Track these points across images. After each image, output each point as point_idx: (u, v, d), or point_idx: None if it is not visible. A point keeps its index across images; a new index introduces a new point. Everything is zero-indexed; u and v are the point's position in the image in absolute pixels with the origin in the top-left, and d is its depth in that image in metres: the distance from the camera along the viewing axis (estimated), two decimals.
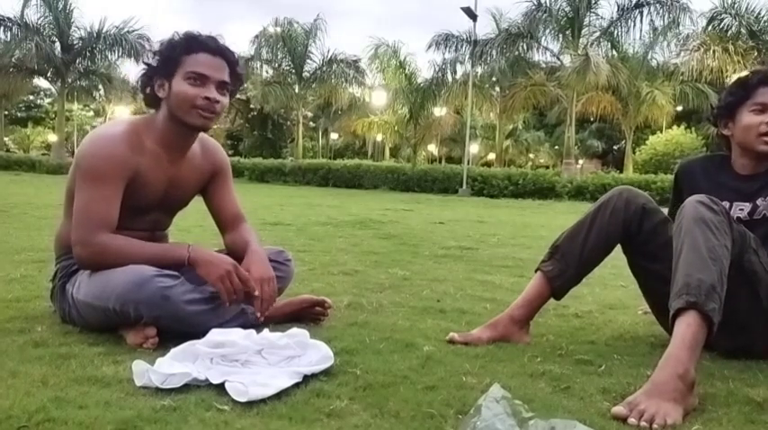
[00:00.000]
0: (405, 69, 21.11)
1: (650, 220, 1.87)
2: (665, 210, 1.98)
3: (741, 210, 1.88)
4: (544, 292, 1.93)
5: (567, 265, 1.90)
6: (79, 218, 1.79)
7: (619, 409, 1.32)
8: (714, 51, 17.64)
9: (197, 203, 2.12)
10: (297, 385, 1.41)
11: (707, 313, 1.46)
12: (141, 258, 1.78)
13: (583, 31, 19.63)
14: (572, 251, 1.89)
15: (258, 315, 1.82)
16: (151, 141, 1.88)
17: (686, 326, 1.46)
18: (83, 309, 1.81)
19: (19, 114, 42.96)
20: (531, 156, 42.31)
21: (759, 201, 1.87)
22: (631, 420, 1.29)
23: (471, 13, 19.32)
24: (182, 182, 1.97)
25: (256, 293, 1.82)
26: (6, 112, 34.54)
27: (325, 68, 22.93)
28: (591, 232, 1.88)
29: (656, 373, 1.42)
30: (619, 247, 1.95)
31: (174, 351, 1.52)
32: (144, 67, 1.90)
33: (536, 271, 1.96)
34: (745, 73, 1.96)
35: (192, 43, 1.86)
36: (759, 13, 17.96)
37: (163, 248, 1.90)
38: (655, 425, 1.28)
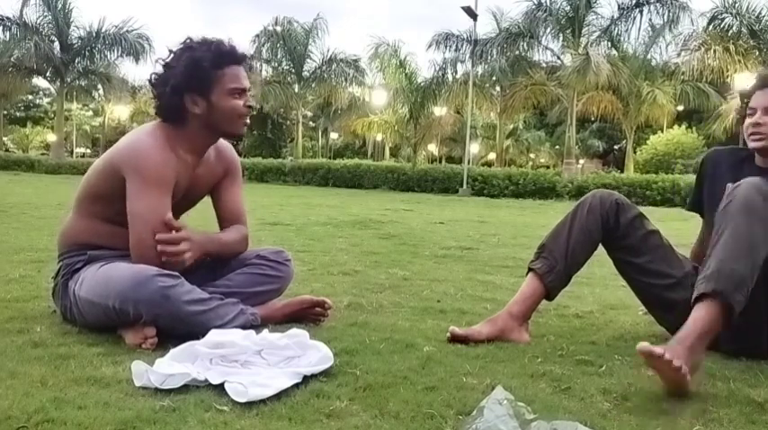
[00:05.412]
0: (405, 69, 21.03)
1: (625, 214, 1.96)
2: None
3: None
4: (538, 290, 1.97)
5: (556, 261, 1.97)
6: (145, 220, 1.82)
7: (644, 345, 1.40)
8: (715, 51, 17.60)
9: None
10: (296, 386, 1.41)
11: (731, 304, 1.50)
12: None
13: (583, 30, 19.59)
14: (558, 248, 1.97)
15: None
16: (183, 150, 1.92)
17: (704, 313, 1.51)
18: (84, 306, 1.81)
19: (18, 114, 42.96)
20: (532, 155, 42.27)
21: None
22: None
23: (472, 13, 19.31)
24: (199, 182, 2.02)
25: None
26: (5, 112, 34.54)
27: (324, 68, 22.91)
28: (573, 229, 1.97)
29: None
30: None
31: (173, 351, 1.52)
32: (169, 88, 1.88)
33: (527, 272, 2.02)
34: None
35: (220, 58, 1.90)
36: (760, 13, 17.93)
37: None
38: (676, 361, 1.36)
